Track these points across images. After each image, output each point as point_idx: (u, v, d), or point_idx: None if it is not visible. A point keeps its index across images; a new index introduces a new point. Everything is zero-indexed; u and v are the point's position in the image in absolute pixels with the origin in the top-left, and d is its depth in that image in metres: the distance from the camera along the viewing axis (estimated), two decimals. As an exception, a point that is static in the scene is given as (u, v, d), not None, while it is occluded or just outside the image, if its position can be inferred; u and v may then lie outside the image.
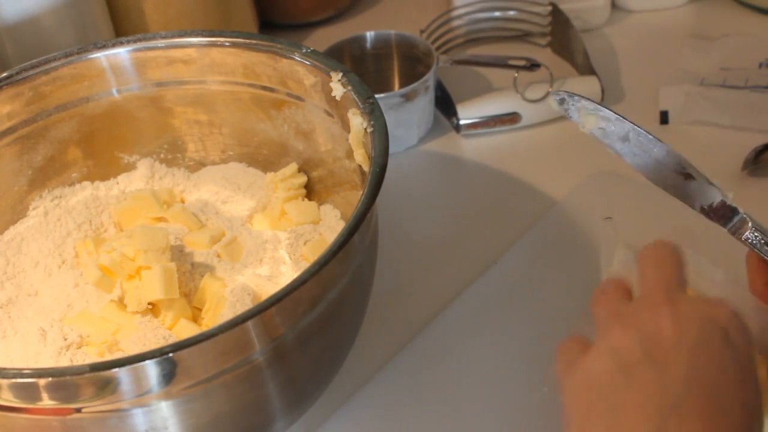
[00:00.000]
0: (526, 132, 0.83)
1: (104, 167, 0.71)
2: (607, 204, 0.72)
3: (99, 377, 0.45)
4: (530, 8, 0.91)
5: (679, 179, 0.55)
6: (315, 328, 0.51)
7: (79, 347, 0.58)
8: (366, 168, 0.59)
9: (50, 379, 0.45)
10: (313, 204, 0.67)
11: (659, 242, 0.49)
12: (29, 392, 0.47)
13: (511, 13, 0.93)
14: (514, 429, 0.58)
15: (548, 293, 0.66)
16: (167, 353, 0.45)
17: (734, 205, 0.54)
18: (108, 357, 0.57)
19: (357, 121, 0.58)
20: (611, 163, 0.77)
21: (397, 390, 0.61)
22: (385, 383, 0.61)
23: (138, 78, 0.69)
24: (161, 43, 0.67)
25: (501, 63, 0.83)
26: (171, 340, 0.57)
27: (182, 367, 0.47)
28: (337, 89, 0.60)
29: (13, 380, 0.46)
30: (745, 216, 0.54)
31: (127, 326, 0.58)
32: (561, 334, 0.58)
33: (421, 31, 0.89)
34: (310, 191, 0.68)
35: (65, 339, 0.58)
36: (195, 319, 0.60)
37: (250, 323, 0.47)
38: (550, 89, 0.81)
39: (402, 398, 0.60)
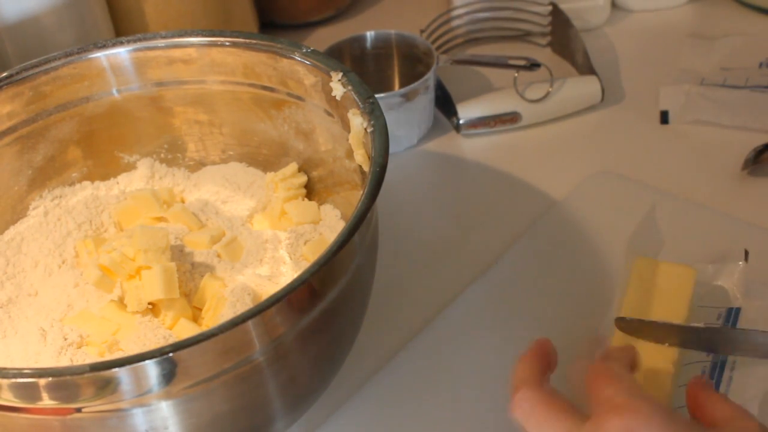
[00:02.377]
0: (526, 132, 0.83)
1: (104, 167, 0.71)
2: (607, 204, 0.73)
3: (99, 377, 0.45)
4: (530, 8, 0.91)
5: None
6: (315, 328, 0.51)
7: (79, 347, 0.58)
8: (366, 168, 0.59)
9: (50, 378, 0.45)
10: (313, 204, 0.67)
11: (605, 359, 0.48)
12: (29, 392, 0.47)
13: (511, 13, 0.93)
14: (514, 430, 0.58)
15: (548, 293, 0.66)
16: (167, 353, 0.45)
17: None
18: (108, 357, 0.57)
19: (357, 121, 0.58)
20: (612, 162, 0.77)
21: (396, 390, 0.61)
22: (384, 383, 0.61)
23: (138, 78, 0.69)
24: (161, 42, 0.67)
25: (501, 63, 0.83)
26: (171, 340, 0.57)
27: (182, 367, 0.47)
28: (337, 89, 0.60)
29: (13, 380, 0.45)
30: None
31: (127, 326, 0.58)
32: (561, 335, 0.59)
33: (421, 31, 0.89)
34: (310, 191, 0.68)
35: (65, 339, 0.58)
36: (195, 319, 0.60)
37: (250, 323, 0.47)
38: (550, 89, 0.81)
39: (402, 398, 0.60)
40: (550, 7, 0.91)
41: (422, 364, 0.62)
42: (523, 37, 0.94)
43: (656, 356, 0.56)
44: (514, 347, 0.62)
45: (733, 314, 0.61)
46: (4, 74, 0.66)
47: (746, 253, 0.62)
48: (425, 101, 0.81)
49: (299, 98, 0.65)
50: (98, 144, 0.71)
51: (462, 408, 0.59)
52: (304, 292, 0.49)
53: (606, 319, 0.62)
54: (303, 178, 0.68)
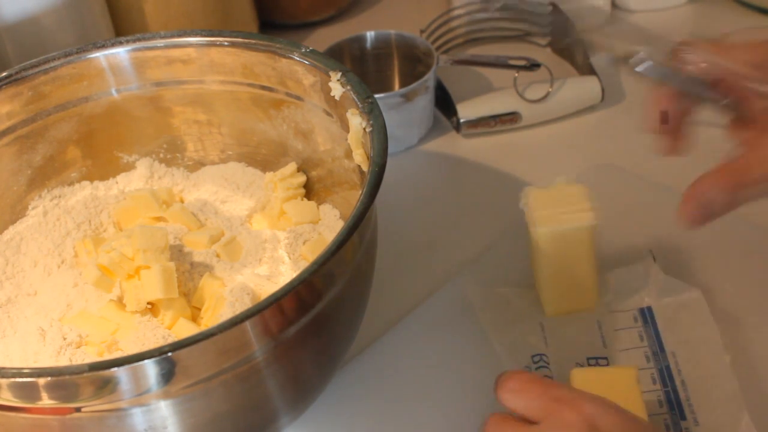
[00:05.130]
0: (526, 132, 0.83)
1: (103, 167, 0.71)
2: (604, 195, 0.73)
3: (98, 377, 0.45)
4: (530, 8, 0.91)
5: None
6: (314, 327, 0.51)
7: (79, 347, 0.58)
8: (365, 168, 0.59)
9: (49, 378, 0.45)
10: (312, 204, 0.67)
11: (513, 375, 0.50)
12: (28, 392, 0.47)
13: (511, 13, 0.93)
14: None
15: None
16: (166, 353, 0.45)
17: None
18: (107, 356, 0.57)
19: (356, 120, 0.58)
20: (612, 162, 0.77)
21: (378, 373, 0.62)
22: (384, 382, 0.61)
23: (137, 78, 0.69)
24: (160, 42, 0.67)
25: (501, 63, 0.83)
26: (170, 340, 0.57)
27: (181, 367, 0.47)
28: (336, 89, 0.60)
29: (13, 379, 0.46)
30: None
31: (127, 326, 0.58)
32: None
33: (421, 31, 0.89)
34: (309, 191, 0.68)
35: (64, 338, 0.58)
36: (194, 318, 0.60)
37: (248, 323, 0.47)
38: (550, 89, 0.81)
39: (402, 396, 0.61)
40: (550, 7, 0.91)
41: (412, 343, 0.64)
42: (523, 37, 0.94)
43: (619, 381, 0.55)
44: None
45: (647, 313, 0.62)
46: (4, 74, 0.66)
47: (652, 254, 0.65)
48: (425, 101, 0.81)
49: (298, 98, 0.65)
50: (97, 144, 0.71)
51: (444, 389, 0.60)
52: (303, 291, 0.49)
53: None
54: (302, 178, 0.68)
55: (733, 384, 0.57)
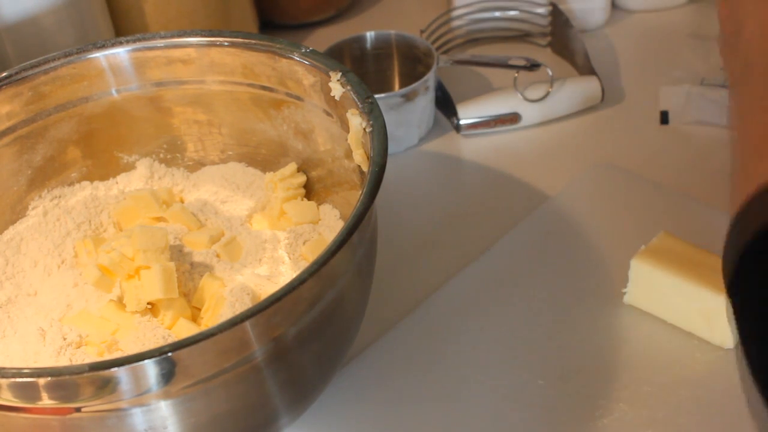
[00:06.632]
0: (526, 132, 0.83)
1: (103, 167, 0.71)
2: (604, 195, 0.73)
3: (98, 377, 0.45)
4: (530, 8, 0.91)
5: None
6: (314, 327, 0.51)
7: (79, 347, 0.58)
8: (365, 168, 0.59)
9: (49, 378, 0.45)
10: (312, 204, 0.67)
11: None
12: (28, 392, 0.47)
13: (511, 13, 0.93)
14: (506, 417, 0.58)
15: (538, 278, 0.67)
16: (166, 353, 0.45)
17: None
18: (107, 356, 0.57)
19: (356, 121, 0.58)
20: (612, 162, 0.77)
21: (382, 368, 0.62)
22: (384, 382, 0.61)
23: (137, 78, 0.69)
24: (160, 43, 0.67)
25: (501, 63, 0.83)
26: (170, 340, 0.57)
27: (181, 367, 0.47)
28: (336, 89, 0.60)
29: (13, 380, 0.46)
30: None
31: (127, 326, 0.58)
32: (549, 317, 0.61)
33: (421, 31, 0.89)
34: (309, 191, 0.68)
35: (64, 339, 0.58)
36: (194, 318, 0.60)
37: (249, 323, 0.47)
38: (550, 89, 0.81)
39: (385, 379, 0.61)
40: (550, 8, 0.91)
41: (412, 343, 0.64)
42: (523, 37, 0.94)
43: None
44: (501, 329, 0.63)
45: None
46: (4, 74, 0.66)
47: None
48: (425, 101, 0.81)
49: (298, 98, 0.65)
50: (97, 144, 0.71)
51: (444, 389, 0.60)
52: (303, 291, 0.49)
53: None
54: (302, 178, 0.68)
55: None
